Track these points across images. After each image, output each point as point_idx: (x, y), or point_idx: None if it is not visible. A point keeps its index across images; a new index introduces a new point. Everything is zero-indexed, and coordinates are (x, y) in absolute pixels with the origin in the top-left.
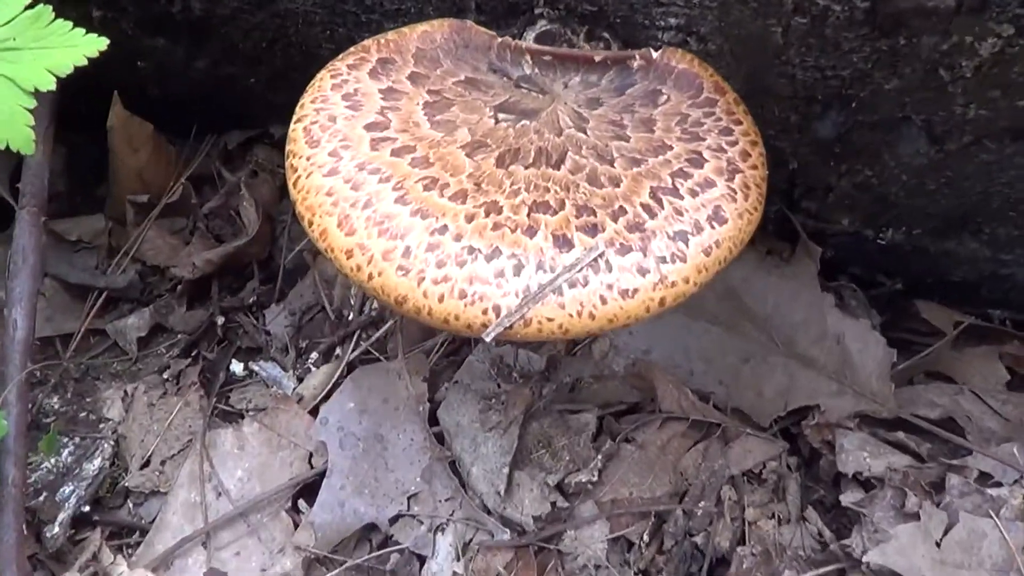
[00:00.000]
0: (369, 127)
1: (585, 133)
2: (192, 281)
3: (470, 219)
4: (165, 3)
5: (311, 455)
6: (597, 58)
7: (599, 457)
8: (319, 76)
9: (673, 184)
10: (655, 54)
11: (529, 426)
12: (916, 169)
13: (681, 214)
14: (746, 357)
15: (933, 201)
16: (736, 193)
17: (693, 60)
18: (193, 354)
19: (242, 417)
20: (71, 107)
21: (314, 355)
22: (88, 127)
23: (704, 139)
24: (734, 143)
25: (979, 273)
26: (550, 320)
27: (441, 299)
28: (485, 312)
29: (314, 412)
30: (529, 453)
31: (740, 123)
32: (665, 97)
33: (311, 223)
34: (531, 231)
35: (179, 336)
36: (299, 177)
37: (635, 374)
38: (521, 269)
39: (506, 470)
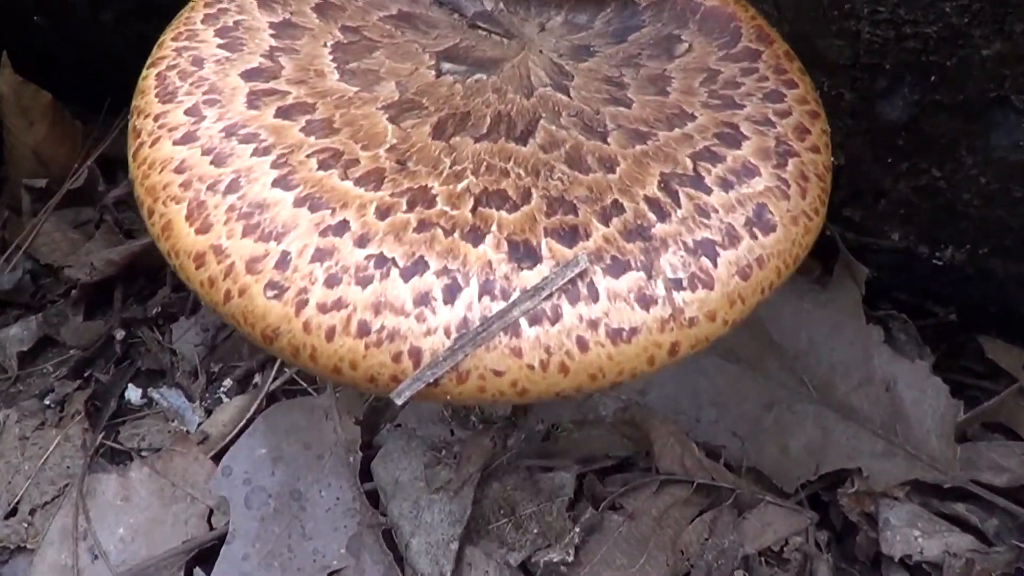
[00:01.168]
0: (249, 75)
1: (567, 94)
2: (91, 285)
3: (384, 213)
4: None
5: (211, 512)
6: None
7: (577, 530)
8: (190, 4)
9: (695, 170)
10: None
11: (488, 487)
12: (1004, 168)
13: (707, 215)
14: (769, 403)
15: (1017, 212)
16: (789, 187)
17: None
18: (85, 375)
19: (131, 459)
20: None
21: (227, 382)
22: None
23: (743, 106)
24: (786, 113)
25: None
26: (498, 374)
27: (331, 335)
28: (398, 358)
29: (221, 456)
30: (486, 523)
31: (795, 85)
32: (685, 45)
33: (151, 212)
34: (476, 234)
35: (71, 352)
36: (141, 145)
37: (626, 421)
38: (457, 293)
39: (455, 544)
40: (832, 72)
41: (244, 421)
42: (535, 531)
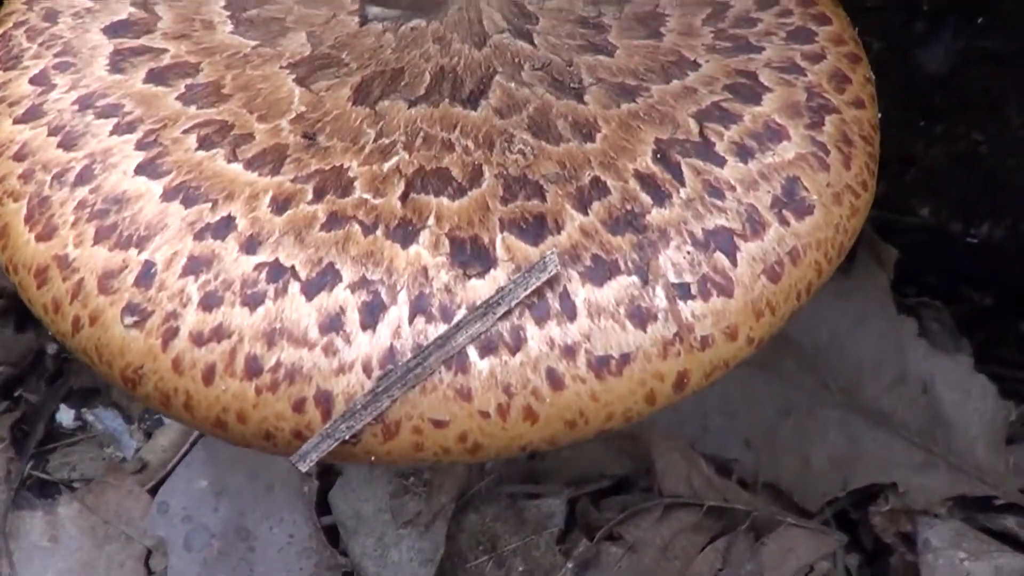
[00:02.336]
0: (115, 29)
1: (531, 41)
2: None
3: (282, 205)
4: None
5: (149, 553)
6: None
7: (570, 565)
8: None
9: (702, 134)
10: None
11: (464, 519)
12: None
13: (721, 195)
14: (786, 409)
15: None
16: (828, 153)
17: None
18: (14, 395)
19: (60, 492)
20: None
21: None
22: None
23: (761, 48)
24: (818, 56)
25: None
26: (440, 425)
27: (209, 377)
28: (300, 407)
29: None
30: (463, 561)
31: (827, 20)
32: None
33: None
34: (407, 230)
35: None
36: None
37: (623, 433)
38: (380, 313)
39: None
40: (858, 16)
41: (187, 445)
42: (520, 569)
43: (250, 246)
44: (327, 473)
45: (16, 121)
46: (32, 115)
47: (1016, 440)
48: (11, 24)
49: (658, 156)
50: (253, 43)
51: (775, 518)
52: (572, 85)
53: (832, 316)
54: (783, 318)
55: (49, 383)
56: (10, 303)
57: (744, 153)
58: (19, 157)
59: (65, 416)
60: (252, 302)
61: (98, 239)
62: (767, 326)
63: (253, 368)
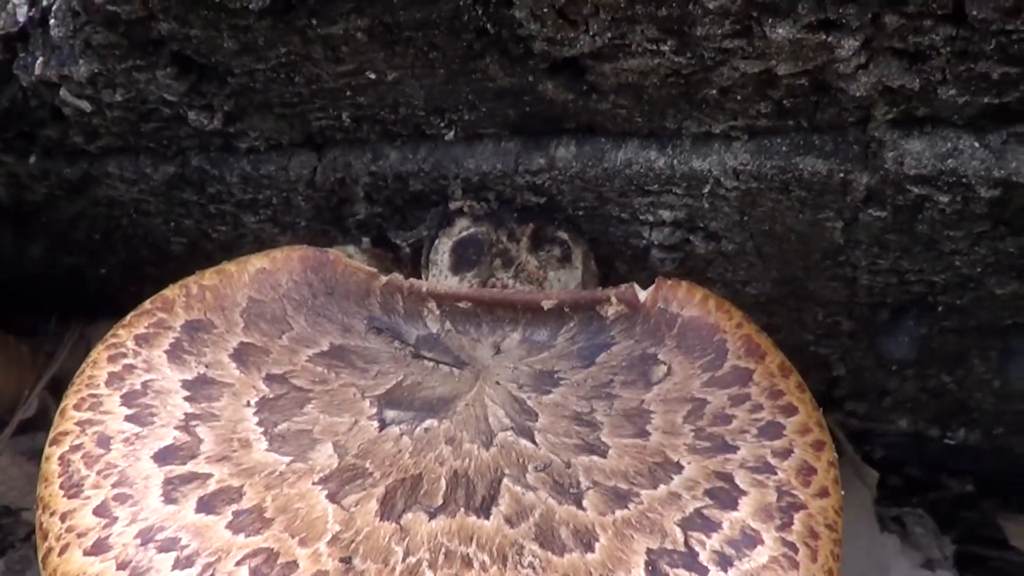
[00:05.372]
0: (163, 456)
1: (532, 440)
2: None
3: None
4: None
5: None
6: (547, 304)
7: None
8: (93, 356)
9: (687, 544)
10: (642, 294)
11: None
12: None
13: None
14: None
15: None
16: (797, 551)
17: (707, 299)
18: None
19: None
20: None
21: None
22: None
23: (736, 448)
24: (787, 452)
25: None
26: None
27: None
28: None
29: None
30: None
31: (794, 411)
32: (664, 368)
33: None
34: None
35: None
36: (49, 551)
37: None
38: None
39: None
40: (826, 306)
41: None
42: None
43: None
44: None
45: (86, 553)
46: (100, 548)
47: None
48: (67, 447)
49: (650, 568)
50: (287, 460)
51: None
52: (571, 490)
53: None
54: None
55: None
56: None
57: (724, 562)
58: None
59: None
60: None
61: None
62: None
63: None
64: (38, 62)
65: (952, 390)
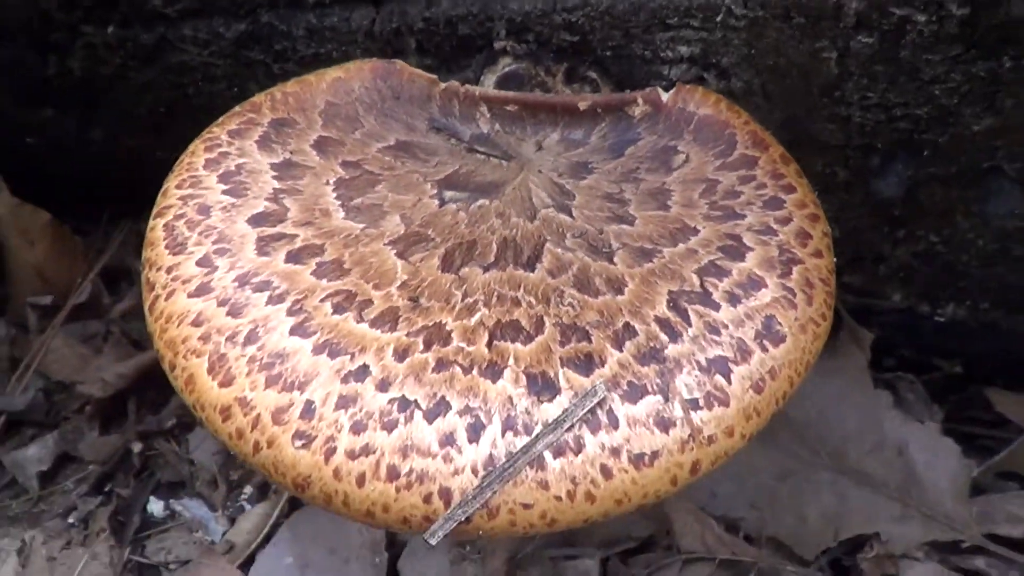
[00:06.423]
0: (256, 220)
1: (570, 214)
2: (104, 400)
3: (402, 355)
4: (40, 67)
5: None
6: (582, 105)
7: None
8: (191, 148)
9: (703, 286)
10: (664, 95)
11: None
12: (1001, 232)
13: (718, 332)
14: (783, 474)
15: (1016, 270)
16: (795, 295)
17: (719, 102)
18: (105, 490)
19: (160, 573)
20: None
21: (248, 489)
22: None
23: (743, 216)
24: (786, 220)
25: None
26: (527, 507)
27: (361, 481)
28: (428, 499)
29: (248, 564)
30: None
31: (793, 189)
32: (683, 156)
33: (173, 366)
34: (494, 370)
35: (90, 467)
36: (156, 298)
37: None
38: (481, 431)
39: None
40: (825, 152)
41: (268, 528)
42: None
43: (383, 386)
44: (394, 544)
45: (190, 296)
46: (202, 290)
47: (986, 490)
48: (171, 216)
49: (671, 304)
50: (361, 226)
51: (777, 568)
52: (604, 250)
53: (819, 394)
54: (767, 419)
55: (136, 478)
56: (95, 409)
57: (734, 299)
58: (196, 323)
59: (155, 507)
60: (388, 427)
61: (268, 384)
62: (755, 425)
63: (393, 473)
64: None
65: (940, 252)
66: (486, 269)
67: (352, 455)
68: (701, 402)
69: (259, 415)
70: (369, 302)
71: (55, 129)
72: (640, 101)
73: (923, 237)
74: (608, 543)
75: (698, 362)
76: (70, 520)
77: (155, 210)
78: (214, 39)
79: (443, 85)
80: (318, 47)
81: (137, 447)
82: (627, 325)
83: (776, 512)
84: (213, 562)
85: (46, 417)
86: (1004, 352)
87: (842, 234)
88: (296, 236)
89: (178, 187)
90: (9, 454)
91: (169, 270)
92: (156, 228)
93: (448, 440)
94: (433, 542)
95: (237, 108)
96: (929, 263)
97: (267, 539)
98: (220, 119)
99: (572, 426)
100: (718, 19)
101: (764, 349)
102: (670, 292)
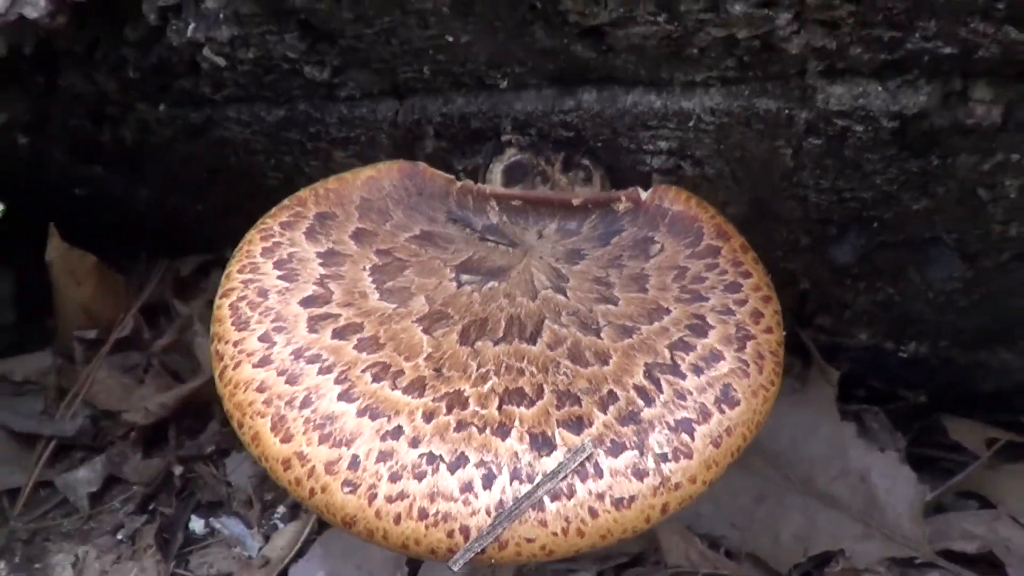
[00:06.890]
0: (306, 302)
1: (564, 295)
2: (147, 427)
3: (429, 417)
4: (94, 131)
5: None
6: (576, 201)
7: None
8: (248, 237)
9: (672, 359)
10: (644, 194)
11: None
12: (946, 288)
13: (683, 398)
14: (759, 497)
15: (964, 317)
16: (748, 366)
17: (690, 200)
18: (150, 509)
19: None
20: (14, 234)
21: (281, 509)
22: (36, 253)
23: (707, 298)
24: (743, 302)
25: (1013, 383)
26: (530, 541)
27: (398, 520)
28: (451, 535)
29: None
30: None
31: (749, 275)
32: (658, 246)
33: (240, 424)
34: (503, 430)
35: (135, 488)
36: (225, 368)
37: None
38: (493, 480)
39: None
40: (789, 224)
41: (299, 544)
42: None
43: (414, 443)
44: (412, 560)
45: (254, 366)
46: (264, 362)
47: (944, 509)
48: (235, 297)
49: (647, 374)
50: (393, 306)
51: None
52: (593, 326)
53: (791, 425)
54: (724, 468)
55: (178, 498)
56: (139, 435)
57: (698, 370)
58: (260, 389)
59: (196, 524)
60: (419, 476)
61: (321, 441)
62: (714, 474)
63: (423, 514)
64: (190, 27)
65: (897, 302)
66: (496, 343)
67: (390, 499)
68: (670, 456)
69: (314, 466)
70: (401, 372)
71: (104, 185)
72: (624, 199)
73: (881, 289)
74: (603, 558)
75: (667, 423)
76: (119, 537)
77: (220, 291)
78: (255, 121)
79: (459, 184)
80: (348, 131)
81: (178, 470)
82: (611, 392)
83: (753, 531)
84: (251, 575)
85: (93, 442)
86: (963, 383)
87: (810, 285)
88: (340, 316)
89: (239, 272)
90: (61, 476)
91: (235, 344)
92: (223, 307)
93: (467, 487)
94: (455, 568)
95: (286, 201)
96: (888, 310)
97: (299, 554)
98: (272, 211)
99: (566, 476)
100: (690, 123)
101: (722, 411)
102: (646, 364)
